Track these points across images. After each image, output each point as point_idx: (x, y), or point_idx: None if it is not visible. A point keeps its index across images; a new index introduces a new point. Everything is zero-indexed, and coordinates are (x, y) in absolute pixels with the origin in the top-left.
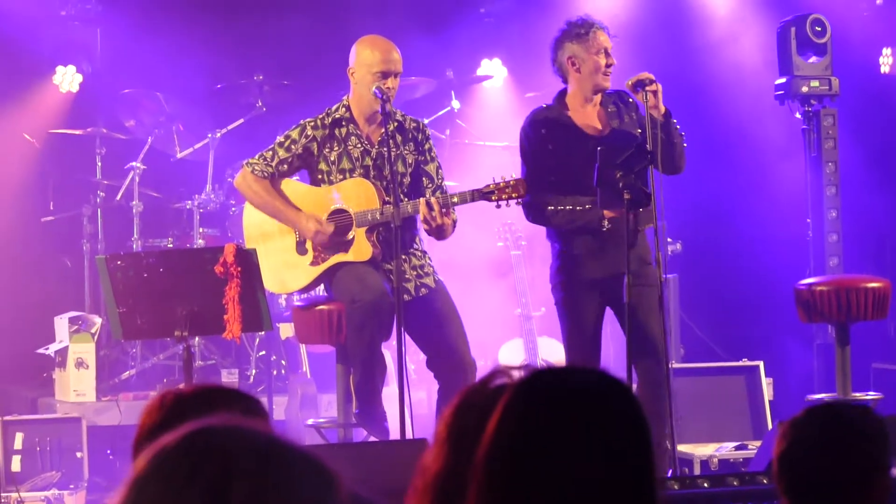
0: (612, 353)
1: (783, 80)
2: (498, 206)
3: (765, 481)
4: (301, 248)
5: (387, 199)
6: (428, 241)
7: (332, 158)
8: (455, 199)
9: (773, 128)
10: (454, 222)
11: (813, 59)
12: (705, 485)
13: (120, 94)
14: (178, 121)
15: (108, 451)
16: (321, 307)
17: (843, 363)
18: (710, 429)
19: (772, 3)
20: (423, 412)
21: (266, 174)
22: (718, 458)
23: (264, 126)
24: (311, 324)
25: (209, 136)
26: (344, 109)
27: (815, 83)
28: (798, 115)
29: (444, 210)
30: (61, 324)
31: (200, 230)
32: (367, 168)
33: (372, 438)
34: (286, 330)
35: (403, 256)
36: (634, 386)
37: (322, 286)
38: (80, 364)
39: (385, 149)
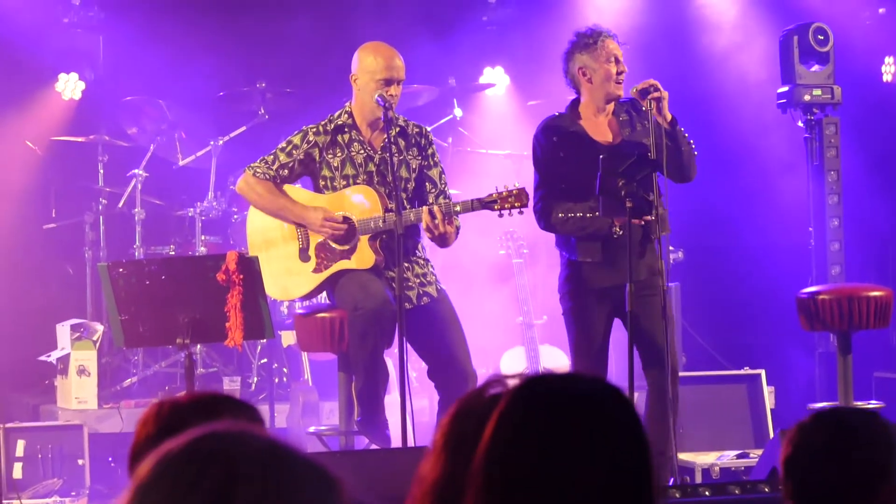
0: (615, 360)
1: (785, 88)
2: (500, 216)
3: (766, 490)
4: (304, 255)
5: (390, 205)
6: (430, 249)
7: (335, 164)
8: (458, 208)
9: (775, 136)
10: (457, 230)
11: (815, 67)
12: (707, 493)
13: (122, 102)
14: (181, 128)
15: (110, 459)
16: (323, 315)
17: (845, 372)
18: (712, 437)
19: (774, 11)
20: (425, 420)
21: (267, 177)
22: (720, 466)
23: (267, 133)
24: (312, 331)
25: (211, 143)
26: (346, 116)
27: (817, 92)
28: (800, 124)
29: (447, 218)
30: (63, 331)
31: (202, 238)
32: (371, 174)
33: (374, 446)
34: (288, 337)
35: (406, 264)
36: (637, 394)
37: (324, 294)
38: (81, 371)
39: (388, 154)
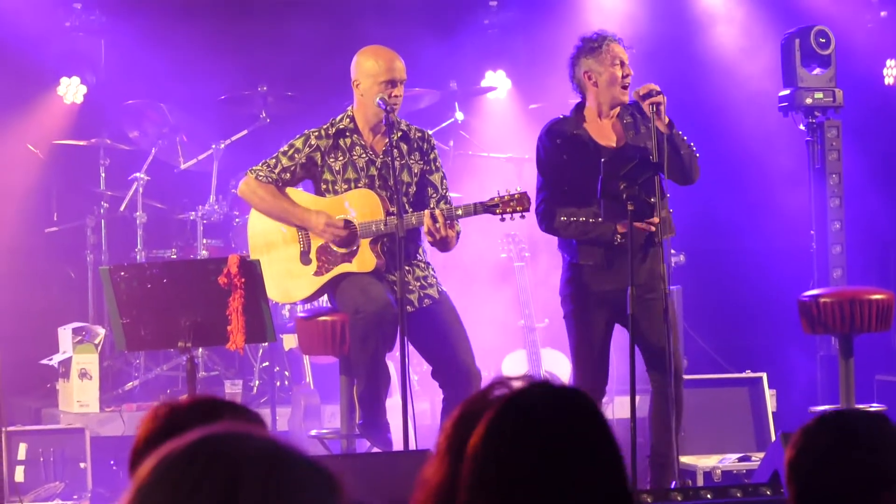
0: (616, 363)
1: (787, 91)
2: (502, 220)
3: (768, 493)
4: (305, 258)
5: (391, 209)
6: (431, 252)
7: (337, 168)
8: (459, 212)
9: (776, 140)
10: (457, 235)
11: (817, 70)
12: (708, 496)
13: (124, 105)
14: (182, 132)
15: (112, 462)
16: (324, 318)
17: (847, 375)
18: (714, 440)
19: (776, 14)
20: (427, 423)
21: (269, 181)
22: (722, 469)
23: (268, 137)
24: (314, 335)
25: (213, 146)
26: (348, 120)
27: (819, 95)
28: (802, 127)
29: (448, 222)
30: (65, 334)
31: (204, 241)
32: (373, 178)
33: (375, 449)
34: (289, 341)
35: (407, 267)
36: (640, 397)
37: (326, 297)
38: (83, 375)
39: (389, 158)
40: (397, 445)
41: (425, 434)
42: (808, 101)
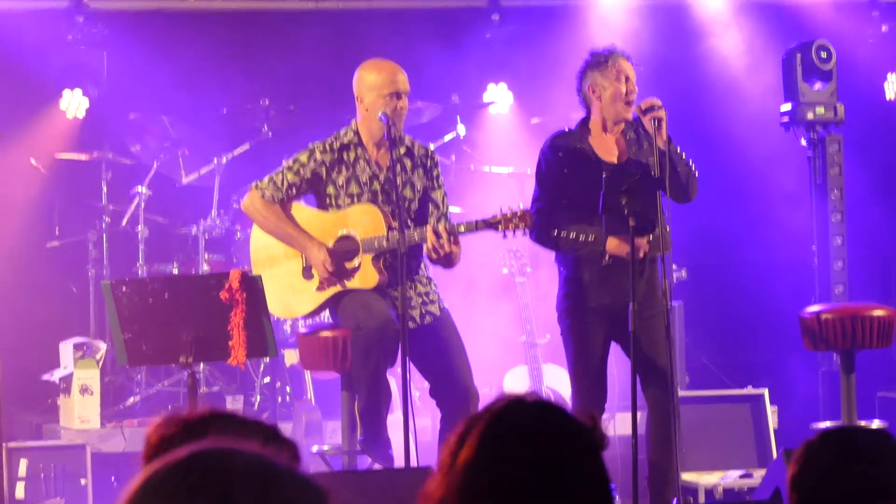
0: (618, 379)
1: (788, 106)
2: (504, 237)
3: None
4: (307, 273)
5: (393, 224)
6: (433, 267)
7: (340, 182)
8: (461, 229)
9: (778, 154)
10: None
11: (818, 85)
12: None
13: (126, 119)
14: (184, 145)
15: (113, 478)
16: (326, 334)
17: (849, 391)
18: (715, 457)
19: (777, 29)
20: (428, 439)
21: (276, 199)
22: (723, 486)
23: (270, 151)
24: (315, 350)
25: (215, 160)
26: (353, 134)
27: (820, 109)
28: (803, 142)
29: (451, 238)
30: (66, 350)
31: (206, 256)
32: (376, 192)
33: (377, 466)
34: (291, 356)
35: (409, 283)
36: (640, 414)
37: (328, 312)
38: (84, 390)
39: (392, 174)
40: (398, 462)
41: (426, 450)
42: (810, 115)
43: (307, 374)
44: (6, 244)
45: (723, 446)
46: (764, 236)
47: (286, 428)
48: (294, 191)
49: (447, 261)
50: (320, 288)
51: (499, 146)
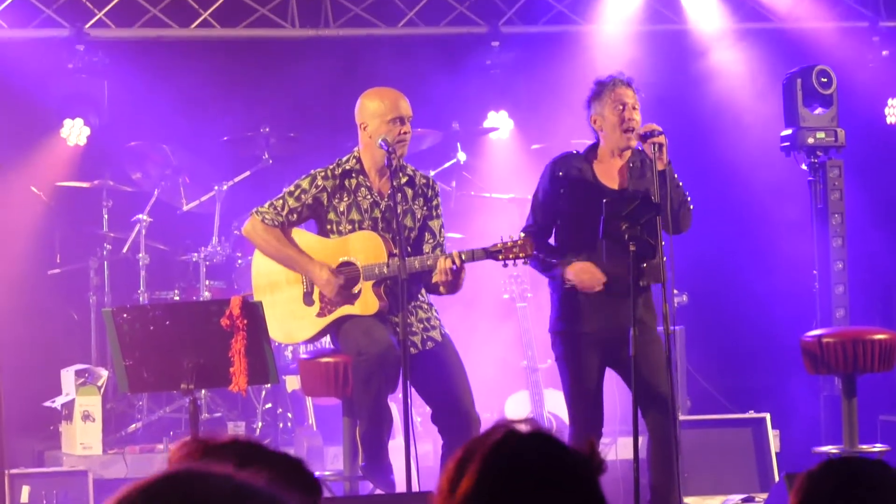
0: (619, 404)
1: (789, 131)
2: (505, 265)
3: None
4: (308, 299)
5: (394, 251)
6: (433, 295)
7: (342, 209)
8: (462, 257)
9: (779, 179)
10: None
11: (819, 110)
12: None
13: (127, 147)
14: (185, 173)
15: None
16: (327, 360)
17: (850, 415)
18: (717, 481)
19: (778, 54)
20: (430, 465)
21: (276, 223)
22: None
23: (270, 178)
24: (317, 376)
25: (215, 188)
26: (354, 161)
27: (820, 134)
28: (804, 167)
29: (463, 261)
30: (68, 377)
31: (207, 282)
32: (376, 220)
33: (378, 491)
34: (292, 382)
35: (410, 308)
36: (642, 439)
37: (328, 337)
38: (86, 417)
39: (393, 202)
40: (400, 487)
41: (428, 476)
42: (811, 140)
43: (308, 400)
44: (8, 271)
45: (725, 470)
46: (765, 261)
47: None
48: (294, 216)
49: (453, 287)
50: (321, 314)
51: (499, 172)
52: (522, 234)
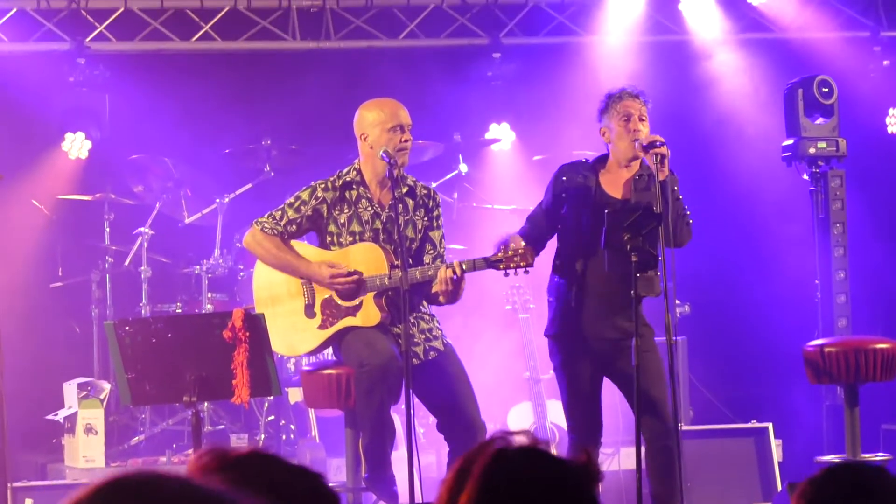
0: (622, 414)
1: (790, 141)
2: (506, 275)
3: None
4: (310, 312)
5: (395, 262)
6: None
7: (342, 221)
8: (463, 267)
9: (780, 189)
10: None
11: (820, 120)
12: None
13: (128, 160)
14: (187, 186)
15: None
16: (329, 371)
17: (853, 424)
18: (720, 491)
19: (779, 64)
20: (433, 475)
21: (275, 233)
22: None
23: (272, 190)
24: (319, 388)
25: (217, 200)
26: (355, 172)
27: (822, 144)
28: (805, 177)
29: (464, 271)
30: (70, 390)
31: (209, 295)
32: (377, 231)
33: (381, 503)
34: (295, 394)
35: (412, 319)
36: (644, 449)
37: (331, 349)
38: (89, 430)
39: (394, 213)
40: (403, 498)
41: (431, 487)
42: (812, 150)
43: (311, 412)
44: (10, 285)
45: (727, 480)
46: (767, 271)
47: None
48: (294, 227)
49: (453, 296)
50: (323, 326)
51: (501, 183)
52: (523, 244)
